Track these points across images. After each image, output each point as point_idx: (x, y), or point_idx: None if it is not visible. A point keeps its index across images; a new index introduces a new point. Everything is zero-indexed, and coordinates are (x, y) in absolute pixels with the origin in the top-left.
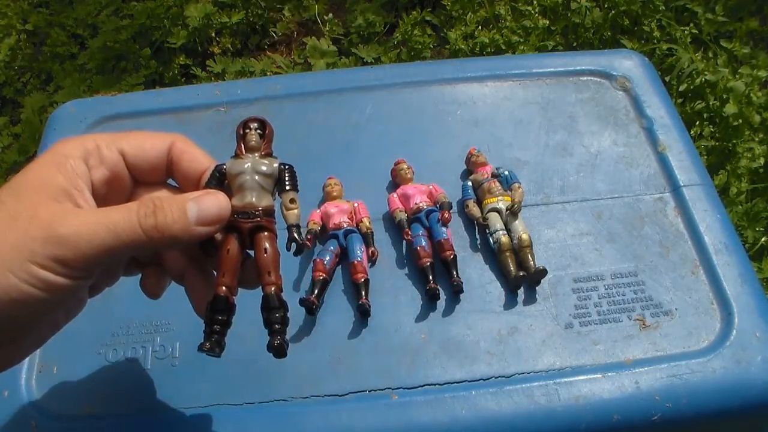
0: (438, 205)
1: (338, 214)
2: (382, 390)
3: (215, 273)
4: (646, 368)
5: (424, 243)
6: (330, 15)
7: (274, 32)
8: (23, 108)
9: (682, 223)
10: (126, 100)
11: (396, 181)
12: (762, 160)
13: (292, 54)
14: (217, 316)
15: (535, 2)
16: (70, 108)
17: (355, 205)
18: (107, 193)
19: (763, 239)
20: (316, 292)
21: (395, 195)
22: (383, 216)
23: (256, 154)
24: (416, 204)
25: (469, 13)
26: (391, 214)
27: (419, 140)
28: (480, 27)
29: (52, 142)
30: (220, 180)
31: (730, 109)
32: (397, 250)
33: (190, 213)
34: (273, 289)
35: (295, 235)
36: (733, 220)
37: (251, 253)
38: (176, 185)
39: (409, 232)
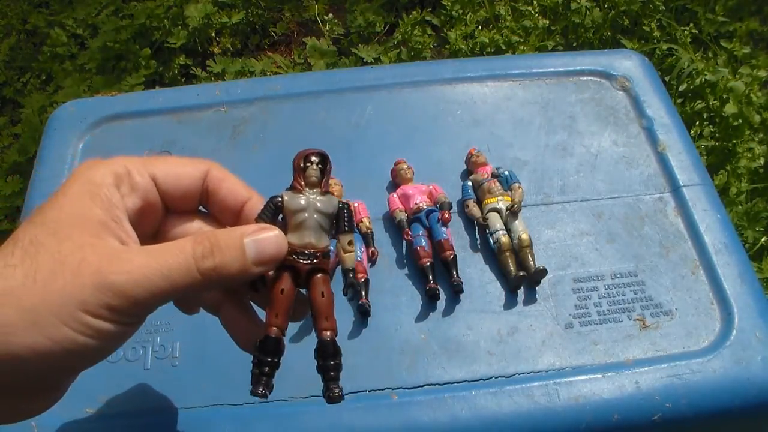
0: (438, 205)
1: None
2: (382, 390)
3: (265, 310)
4: (646, 368)
5: (424, 243)
6: (330, 15)
7: (274, 32)
8: (23, 108)
9: (682, 223)
10: (126, 100)
11: (396, 181)
12: (762, 160)
13: (292, 54)
14: (267, 358)
15: (535, 2)
16: (70, 108)
17: (355, 205)
18: (138, 222)
19: (763, 239)
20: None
21: (395, 195)
22: (383, 216)
23: (316, 191)
24: (416, 204)
25: (469, 13)
26: (391, 214)
27: (419, 140)
28: (480, 27)
29: (52, 142)
30: (275, 213)
31: (730, 109)
32: (397, 250)
33: (249, 252)
34: (329, 334)
35: (353, 281)
36: (733, 220)
37: (302, 290)
38: (206, 211)
39: (409, 232)
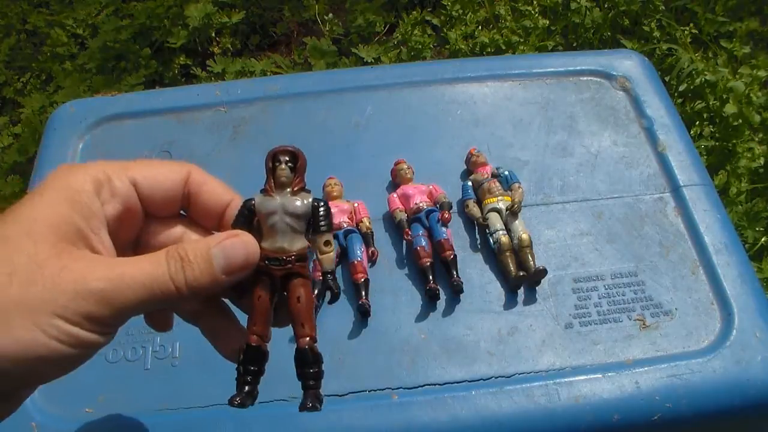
0: (438, 205)
1: (338, 214)
2: (382, 390)
3: (247, 316)
4: (646, 368)
5: (424, 243)
6: (330, 15)
7: (274, 32)
8: (23, 108)
9: (682, 223)
10: (126, 100)
11: (396, 181)
12: (762, 160)
13: (292, 54)
14: (249, 367)
15: (535, 2)
16: (70, 108)
17: (355, 205)
18: (118, 228)
19: (763, 239)
20: (316, 292)
21: (395, 195)
22: (383, 216)
23: (288, 191)
24: (416, 204)
25: (469, 13)
26: (391, 214)
27: (419, 140)
28: (480, 27)
29: (52, 142)
30: (249, 218)
31: (730, 109)
32: (397, 250)
33: (216, 262)
34: (308, 341)
35: (332, 284)
36: (733, 220)
37: (284, 292)
38: (185, 216)
39: (409, 232)
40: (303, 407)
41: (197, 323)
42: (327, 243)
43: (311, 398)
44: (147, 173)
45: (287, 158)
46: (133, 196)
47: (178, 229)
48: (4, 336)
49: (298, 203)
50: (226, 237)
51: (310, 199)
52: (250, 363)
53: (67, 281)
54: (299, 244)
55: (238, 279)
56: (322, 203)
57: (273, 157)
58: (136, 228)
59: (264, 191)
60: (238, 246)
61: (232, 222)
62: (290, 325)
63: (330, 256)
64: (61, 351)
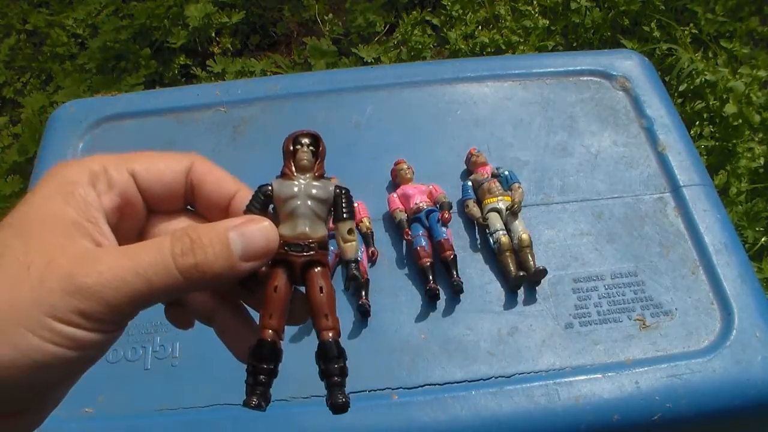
0: (438, 205)
1: None
2: (382, 390)
3: (259, 312)
4: (646, 368)
5: (424, 243)
6: (330, 15)
7: (274, 32)
8: (23, 108)
9: (682, 223)
10: (126, 100)
11: (396, 181)
12: (762, 160)
13: (292, 54)
14: (262, 365)
15: (535, 2)
16: (70, 108)
17: (355, 205)
18: (118, 223)
19: (763, 239)
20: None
21: (395, 195)
22: (383, 216)
23: (308, 175)
24: (416, 204)
25: (469, 13)
26: (391, 214)
27: (419, 140)
28: (480, 27)
29: (52, 142)
30: (265, 204)
31: (730, 109)
32: (397, 250)
33: (234, 246)
34: (332, 335)
35: (356, 273)
36: (733, 220)
37: (300, 287)
38: (194, 210)
39: (409, 232)
40: (333, 405)
41: (211, 323)
42: (350, 231)
43: (339, 393)
44: (147, 164)
45: (308, 141)
46: (132, 188)
47: (183, 223)
48: None
49: (322, 188)
50: (245, 221)
51: (333, 186)
52: (264, 361)
53: (54, 278)
54: (321, 230)
55: (255, 268)
56: (344, 190)
57: (294, 140)
58: (137, 221)
59: (283, 175)
60: (259, 230)
61: (245, 208)
62: (299, 322)
63: (354, 244)
64: (57, 354)
